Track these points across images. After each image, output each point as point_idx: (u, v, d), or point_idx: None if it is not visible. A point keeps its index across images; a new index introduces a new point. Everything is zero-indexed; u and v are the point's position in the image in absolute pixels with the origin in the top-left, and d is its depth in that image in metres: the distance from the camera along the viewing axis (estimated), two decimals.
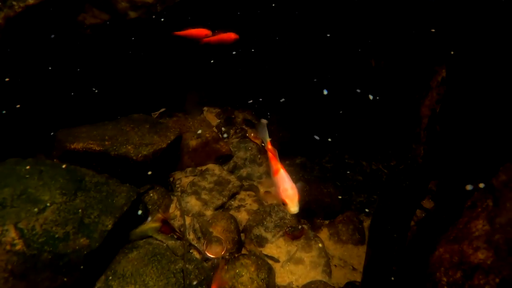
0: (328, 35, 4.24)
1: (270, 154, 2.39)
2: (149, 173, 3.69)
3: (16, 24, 3.29)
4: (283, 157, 4.46)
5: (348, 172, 4.38)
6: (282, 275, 3.40)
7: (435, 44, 3.25)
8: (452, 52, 2.96)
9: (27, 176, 2.96)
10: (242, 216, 3.85)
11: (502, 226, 2.34)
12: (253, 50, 4.59)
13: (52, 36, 3.41)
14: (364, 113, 4.41)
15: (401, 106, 3.70)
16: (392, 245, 2.85)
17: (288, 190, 2.14)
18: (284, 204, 2.13)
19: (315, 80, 4.42)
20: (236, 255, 3.39)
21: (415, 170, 2.92)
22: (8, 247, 2.46)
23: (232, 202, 3.98)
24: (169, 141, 3.84)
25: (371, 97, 3.96)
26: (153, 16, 3.91)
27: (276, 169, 2.27)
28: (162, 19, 3.99)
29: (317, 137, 4.35)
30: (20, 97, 3.65)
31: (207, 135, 4.39)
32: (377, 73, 4.13)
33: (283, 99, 4.72)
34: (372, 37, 4.03)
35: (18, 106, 3.62)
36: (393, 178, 3.04)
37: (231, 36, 3.60)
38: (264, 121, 2.56)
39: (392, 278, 2.78)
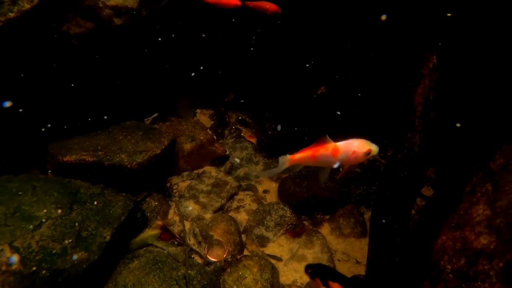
0: (318, 28, 4.21)
1: (309, 154, 2.22)
2: (145, 180, 3.65)
3: None
4: (279, 155, 4.47)
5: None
6: (286, 273, 3.38)
7: (424, 30, 3.22)
8: (440, 44, 2.93)
9: (20, 192, 2.92)
10: (242, 217, 3.82)
11: (502, 209, 2.32)
12: (245, 47, 4.56)
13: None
14: (358, 104, 4.38)
15: (395, 95, 3.67)
16: (394, 236, 2.83)
17: (358, 144, 2.17)
18: (368, 154, 2.16)
19: (308, 74, 4.39)
20: (238, 257, 3.37)
21: (412, 159, 2.90)
22: (4, 268, 2.42)
23: (231, 204, 3.95)
24: (163, 147, 3.80)
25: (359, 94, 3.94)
26: (139, 22, 3.86)
27: (333, 147, 2.17)
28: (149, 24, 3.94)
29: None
30: (9, 112, 3.60)
31: (202, 138, 4.35)
32: (368, 65, 4.10)
33: (276, 95, 4.69)
34: (362, 28, 4.00)
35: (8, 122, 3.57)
36: (391, 168, 3.01)
37: (268, 6, 3.52)
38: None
39: (396, 270, 2.76)
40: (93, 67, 3.96)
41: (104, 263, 2.89)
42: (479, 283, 2.15)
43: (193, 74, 4.40)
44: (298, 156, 2.26)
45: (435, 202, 3.15)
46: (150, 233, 3.42)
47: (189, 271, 3.04)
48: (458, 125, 3.00)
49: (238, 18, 4.22)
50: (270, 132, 4.50)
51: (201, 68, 4.52)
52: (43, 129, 3.80)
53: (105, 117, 4.13)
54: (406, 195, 2.89)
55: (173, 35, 4.28)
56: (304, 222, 3.81)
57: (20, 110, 3.64)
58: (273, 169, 2.32)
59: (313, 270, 2.30)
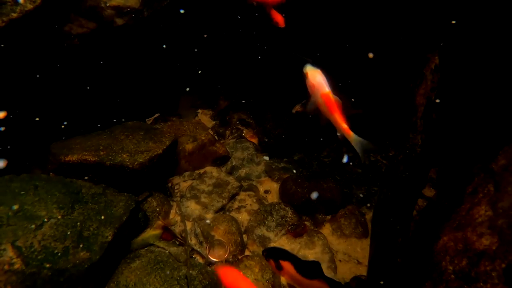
0: (319, 28, 4.20)
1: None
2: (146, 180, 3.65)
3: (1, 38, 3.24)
4: (281, 155, 4.47)
5: (347, 165, 4.35)
6: None
7: (426, 31, 3.22)
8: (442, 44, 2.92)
9: (22, 192, 2.92)
10: (243, 217, 3.82)
11: (504, 210, 2.31)
12: (245, 48, 4.56)
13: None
14: (359, 105, 4.37)
15: (397, 96, 3.67)
16: (396, 237, 2.83)
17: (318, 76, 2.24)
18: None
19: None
20: (239, 257, 3.37)
21: (413, 160, 2.90)
22: (6, 267, 2.42)
23: (232, 204, 3.95)
24: (164, 147, 3.80)
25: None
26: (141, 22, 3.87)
27: (325, 96, 2.20)
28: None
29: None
30: (11, 113, 3.61)
31: (203, 138, 4.36)
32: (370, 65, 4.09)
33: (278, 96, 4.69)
34: (362, 28, 3.99)
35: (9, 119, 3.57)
36: (393, 169, 3.01)
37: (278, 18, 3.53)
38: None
39: (398, 270, 2.75)
40: (95, 68, 3.96)
41: (106, 263, 2.90)
42: (481, 284, 2.14)
43: (188, 89, 4.41)
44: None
45: (437, 203, 3.14)
46: (151, 233, 3.42)
47: (190, 271, 3.04)
48: (437, 101, 2.96)
49: (241, 18, 4.22)
50: (272, 133, 4.50)
51: (200, 72, 4.52)
52: (45, 129, 3.80)
53: (108, 118, 4.14)
54: (408, 196, 2.88)
55: (174, 36, 4.29)
56: (305, 222, 3.81)
57: (22, 110, 3.65)
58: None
59: (267, 253, 2.44)
